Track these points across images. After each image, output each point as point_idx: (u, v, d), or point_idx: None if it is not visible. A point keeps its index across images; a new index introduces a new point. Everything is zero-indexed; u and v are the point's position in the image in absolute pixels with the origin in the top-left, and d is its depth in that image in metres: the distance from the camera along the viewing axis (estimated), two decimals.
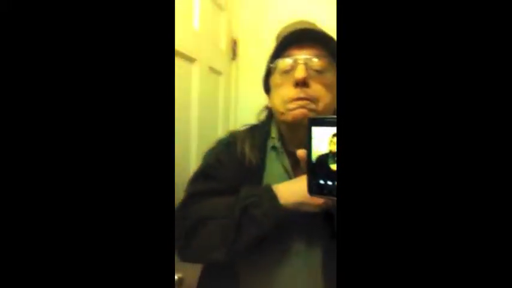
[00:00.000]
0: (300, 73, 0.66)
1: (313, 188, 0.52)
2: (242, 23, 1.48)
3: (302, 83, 0.66)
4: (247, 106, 1.39)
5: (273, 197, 0.62)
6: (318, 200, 0.59)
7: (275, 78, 0.72)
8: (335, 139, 0.50)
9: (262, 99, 0.82)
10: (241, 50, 1.48)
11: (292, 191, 0.62)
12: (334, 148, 0.50)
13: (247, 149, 0.73)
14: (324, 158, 0.51)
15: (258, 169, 0.72)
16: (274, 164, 0.74)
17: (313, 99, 0.67)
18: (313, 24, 0.75)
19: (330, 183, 0.51)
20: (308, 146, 0.52)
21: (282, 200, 0.61)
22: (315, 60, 0.68)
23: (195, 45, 1.12)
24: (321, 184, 0.51)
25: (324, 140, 0.51)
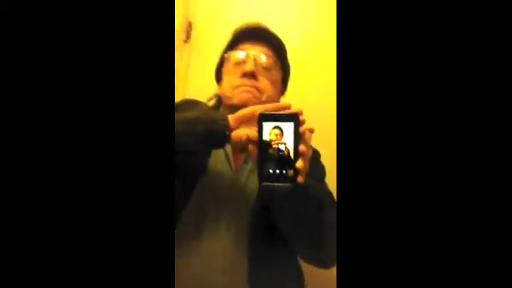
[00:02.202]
0: (249, 66, 0.77)
1: (264, 177, 0.58)
2: (199, 8, 1.54)
3: (250, 75, 0.76)
4: (197, 88, 1.44)
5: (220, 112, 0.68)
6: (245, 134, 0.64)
7: (227, 68, 0.82)
8: (275, 130, 0.57)
9: (211, 85, 0.89)
10: (195, 34, 1.54)
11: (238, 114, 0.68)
12: (273, 137, 0.57)
13: None
14: (266, 147, 0.57)
15: (203, 156, 0.74)
16: (218, 150, 0.77)
17: (259, 90, 0.77)
18: (266, 27, 0.86)
19: (277, 171, 0.57)
20: (259, 139, 0.58)
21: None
22: (264, 57, 0.78)
23: None
24: (270, 173, 0.58)
25: (266, 132, 0.57)
